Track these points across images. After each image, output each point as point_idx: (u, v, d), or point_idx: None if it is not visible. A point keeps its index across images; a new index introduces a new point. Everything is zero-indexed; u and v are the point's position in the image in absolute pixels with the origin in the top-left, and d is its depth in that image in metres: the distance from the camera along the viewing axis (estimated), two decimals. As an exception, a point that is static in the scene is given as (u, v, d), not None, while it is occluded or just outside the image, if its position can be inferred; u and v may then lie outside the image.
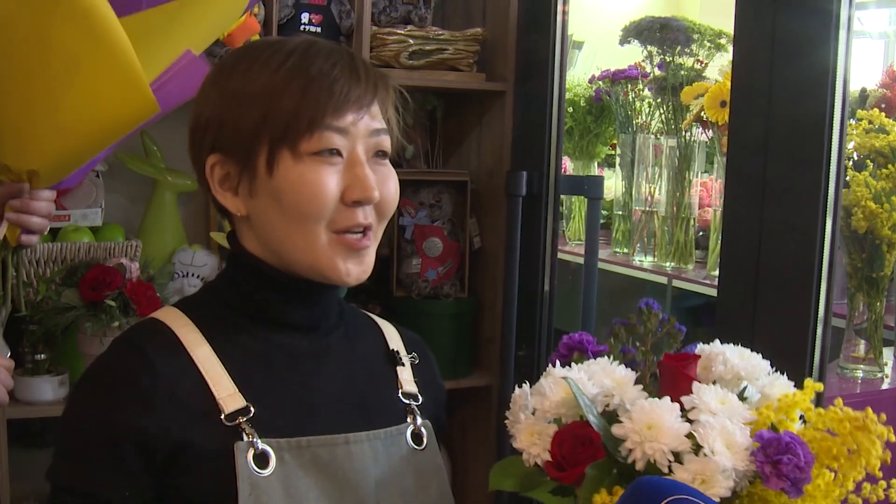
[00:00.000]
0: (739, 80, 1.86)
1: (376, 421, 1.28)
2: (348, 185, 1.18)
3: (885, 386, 2.25)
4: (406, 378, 1.37)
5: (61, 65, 1.49)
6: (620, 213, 3.28)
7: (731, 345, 1.20)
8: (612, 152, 3.48)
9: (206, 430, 1.16)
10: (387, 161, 1.24)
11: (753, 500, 1.07)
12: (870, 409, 1.08)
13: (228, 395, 1.18)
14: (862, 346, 2.24)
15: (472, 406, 2.88)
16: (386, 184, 1.23)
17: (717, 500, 1.01)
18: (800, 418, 1.11)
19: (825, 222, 1.71)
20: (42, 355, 2.30)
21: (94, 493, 1.15)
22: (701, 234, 3.01)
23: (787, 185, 1.75)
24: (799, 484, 1.02)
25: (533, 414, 1.15)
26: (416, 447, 1.30)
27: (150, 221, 2.59)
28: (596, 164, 3.53)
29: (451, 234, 2.70)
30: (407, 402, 1.34)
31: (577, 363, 1.18)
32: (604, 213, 3.52)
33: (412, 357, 1.41)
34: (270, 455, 1.17)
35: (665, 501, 0.95)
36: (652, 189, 3.06)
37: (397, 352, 1.39)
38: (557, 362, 1.20)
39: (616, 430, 1.06)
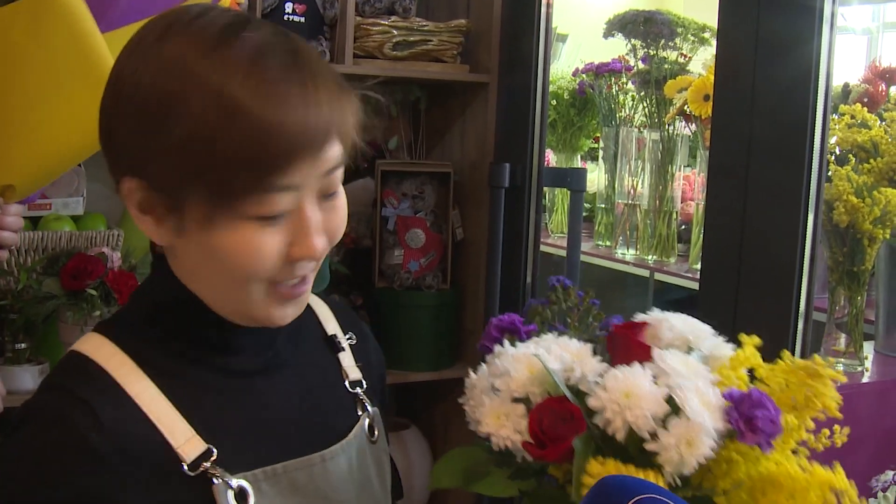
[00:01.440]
0: (723, 75, 1.86)
1: (337, 424, 1.20)
2: (293, 242, 1.00)
3: (865, 379, 2.26)
4: (348, 364, 1.26)
5: (41, 80, 1.47)
6: (603, 206, 3.29)
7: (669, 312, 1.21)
8: (596, 145, 3.50)
9: (170, 485, 1.01)
10: (337, 192, 1.05)
11: (724, 461, 1.07)
12: (816, 356, 1.10)
13: (186, 441, 1.02)
14: (843, 340, 2.25)
15: (453, 398, 2.86)
16: (332, 223, 1.04)
17: (703, 460, 1.01)
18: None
19: (807, 217, 1.72)
20: (23, 344, 2.29)
21: None
22: (683, 227, 3.03)
23: (769, 179, 1.76)
24: (772, 437, 1.03)
25: (497, 395, 1.12)
26: (371, 440, 1.24)
27: (131, 211, 2.58)
28: (579, 157, 3.54)
29: (434, 226, 2.70)
30: (354, 391, 1.24)
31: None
32: (586, 206, 3.53)
33: (349, 338, 1.28)
34: (248, 490, 1.05)
35: (632, 501, 0.92)
36: (635, 182, 3.07)
37: (335, 336, 1.26)
38: (496, 344, 1.18)
39: (592, 402, 1.04)
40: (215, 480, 1.02)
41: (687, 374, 1.06)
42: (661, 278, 2.98)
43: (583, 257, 3.12)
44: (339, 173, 1.02)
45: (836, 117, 2.26)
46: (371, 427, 1.23)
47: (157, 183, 0.97)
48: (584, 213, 3.55)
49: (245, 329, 1.09)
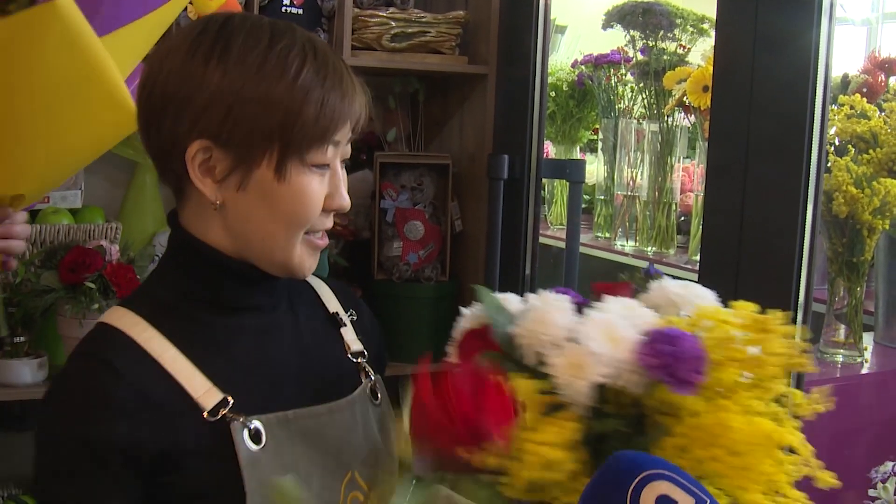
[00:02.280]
0: (721, 66, 1.86)
1: (341, 386, 1.36)
2: (329, 195, 1.25)
3: (864, 370, 2.26)
4: (351, 338, 1.44)
5: (44, 89, 1.47)
6: (602, 197, 3.28)
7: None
8: (595, 137, 3.48)
9: (191, 429, 1.19)
10: (345, 163, 1.32)
11: (664, 407, 1.10)
12: (775, 312, 1.10)
13: (205, 392, 1.21)
14: (842, 331, 2.25)
15: (452, 390, 2.88)
16: (346, 185, 1.31)
17: (596, 381, 1.06)
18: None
19: (806, 208, 1.71)
20: (21, 338, 2.29)
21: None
22: (682, 218, 3.02)
23: (768, 171, 1.75)
24: (676, 374, 1.04)
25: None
26: (374, 403, 1.39)
27: (130, 204, 2.58)
28: (578, 148, 3.53)
29: (433, 218, 2.70)
30: (356, 360, 1.41)
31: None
32: (586, 197, 3.52)
33: (350, 315, 1.47)
34: (262, 431, 1.22)
35: (641, 475, 0.97)
36: (634, 174, 3.06)
37: (337, 314, 1.45)
38: None
39: (514, 329, 1.16)
40: (233, 422, 1.20)
41: (613, 313, 1.12)
42: (660, 269, 2.97)
43: (582, 249, 3.11)
44: (349, 147, 1.30)
45: (836, 108, 2.25)
46: (374, 391, 1.40)
47: (236, 137, 1.19)
48: (584, 205, 3.54)
49: (260, 288, 1.31)
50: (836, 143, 2.23)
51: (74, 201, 2.44)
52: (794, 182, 1.71)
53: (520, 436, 1.07)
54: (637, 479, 0.97)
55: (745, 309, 1.12)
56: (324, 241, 1.30)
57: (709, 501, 0.97)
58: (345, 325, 1.44)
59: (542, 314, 1.14)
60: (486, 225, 2.61)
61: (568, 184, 2.68)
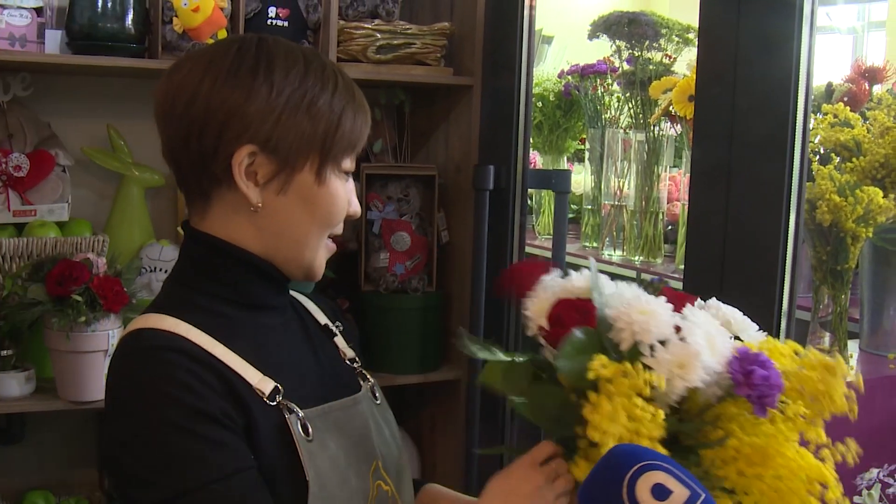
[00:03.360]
0: (704, 74, 1.87)
1: (348, 384, 1.47)
2: (348, 200, 1.39)
3: (849, 378, 2.26)
4: (344, 346, 1.54)
5: None
6: (590, 207, 3.29)
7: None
8: (582, 147, 3.49)
9: (259, 412, 1.28)
10: None
11: (722, 418, 1.15)
12: (839, 356, 1.19)
13: (260, 381, 1.30)
14: (827, 339, 2.26)
15: (440, 400, 2.88)
16: None
17: (694, 384, 1.10)
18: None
19: (789, 216, 1.72)
20: (8, 351, 2.29)
21: (239, 465, 1.23)
22: (670, 228, 3.03)
23: (751, 179, 1.76)
24: (763, 399, 1.09)
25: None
26: (376, 402, 1.50)
27: (117, 216, 2.58)
28: (565, 158, 3.54)
29: (419, 229, 2.70)
30: (353, 366, 1.53)
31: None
32: (573, 207, 3.54)
33: (338, 325, 1.58)
34: (308, 423, 1.31)
35: (637, 465, 1.00)
36: (621, 183, 3.07)
37: (328, 325, 1.55)
38: None
39: (609, 312, 1.17)
40: (287, 413, 1.29)
41: (704, 322, 1.15)
42: (647, 279, 2.98)
43: (570, 259, 3.12)
44: None
45: (821, 117, 2.26)
46: (373, 391, 1.51)
47: (282, 143, 1.30)
48: (571, 215, 3.55)
49: (278, 289, 1.42)
50: (821, 152, 2.24)
51: (61, 214, 2.44)
52: (777, 190, 1.72)
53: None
54: (633, 469, 1.00)
55: (799, 350, 1.18)
56: (334, 246, 1.42)
57: (704, 495, 1.00)
58: (336, 334, 1.55)
59: (645, 304, 1.17)
60: (473, 235, 2.61)
61: (555, 194, 2.68)
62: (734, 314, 1.27)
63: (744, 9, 1.76)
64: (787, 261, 1.74)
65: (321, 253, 1.39)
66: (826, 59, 3.12)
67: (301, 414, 1.30)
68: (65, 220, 2.46)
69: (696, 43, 1.95)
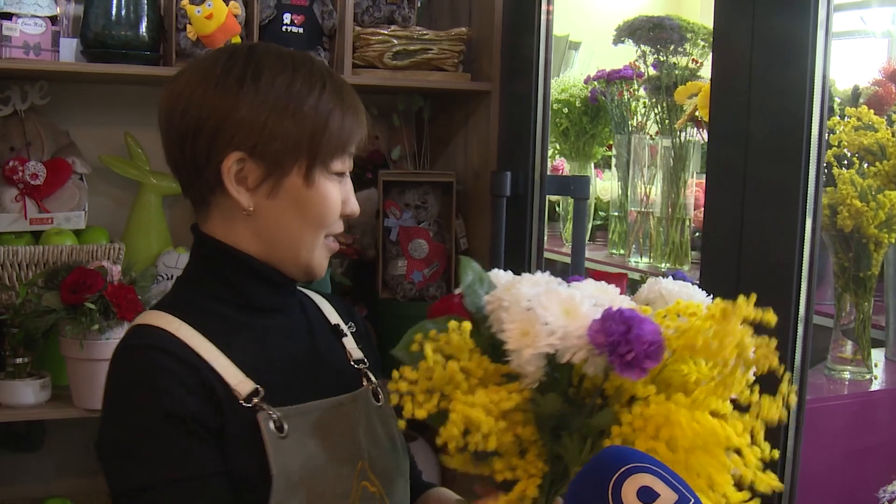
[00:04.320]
0: (719, 79, 1.84)
1: (348, 384, 1.50)
2: (344, 201, 1.43)
3: (874, 388, 2.21)
4: (352, 347, 1.58)
5: None
6: (617, 214, 3.25)
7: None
8: (609, 153, 3.46)
9: (232, 413, 1.32)
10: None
11: (624, 393, 1.12)
12: (744, 298, 1.09)
13: (239, 382, 1.34)
14: (849, 347, 2.21)
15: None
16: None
17: (541, 351, 1.08)
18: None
19: (805, 221, 1.69)
20: (23, 359, 2.30)
21: (195, 471, 1.29)
22: (697, 234, 2.98)
23: (766, 183, 1.73)
24: (625, 357, 1.04)
25: None
26: (377, 403, 1.52)
27: (134, 224, 2.58)
28: (592, 165, 3.50)
29: (437, 236, 2.68)
30: (359, 367, 1.55)
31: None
32: (601, 214, 3.50)
33: (350, 327, 1.62)
34: (284, 421, 1.34)
35: (624, 468, 0.99)
36: (648, 190, 3.03)
37: (338, 325, 1.59)
38: None
39: (486, 298, 1.19)
40: (260, 411, 1.32)
41: (572, 290, 1.14)
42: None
43: (597, 266, 3.09)
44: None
45: (845, 120, 2.22)
46: (375, 393, 1.53)
47: (269, 148, 1.35)
48: (599, 222, 3.52)
49: (280, 291, 1.47)
50: (848, 155, 2.20)
51: (78, 222, 2.45)
52: (793, 194, 1.68)
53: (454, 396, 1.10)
54: (619, 472, 0.99)
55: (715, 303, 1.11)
56: (336, 245, 1.48)
57: (692, 500, 0.97)
58: (345, 335, 1.59)
59: (514, 283, 1.17)
60: (490, 242, 2.59)
61: (574, 200, 2.65)
62: (676, 287, 1.26)
63: (758, 13, 1.73)
64: (803, 266, 1.70)
65: (318, 252, 1.44)
66: (859, 63, 3.07)
67: (275, 413, 1.33)
68: (82, 228, 2.46)
69: (711, 48, 1.93)
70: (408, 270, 2.63)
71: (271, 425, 1.33)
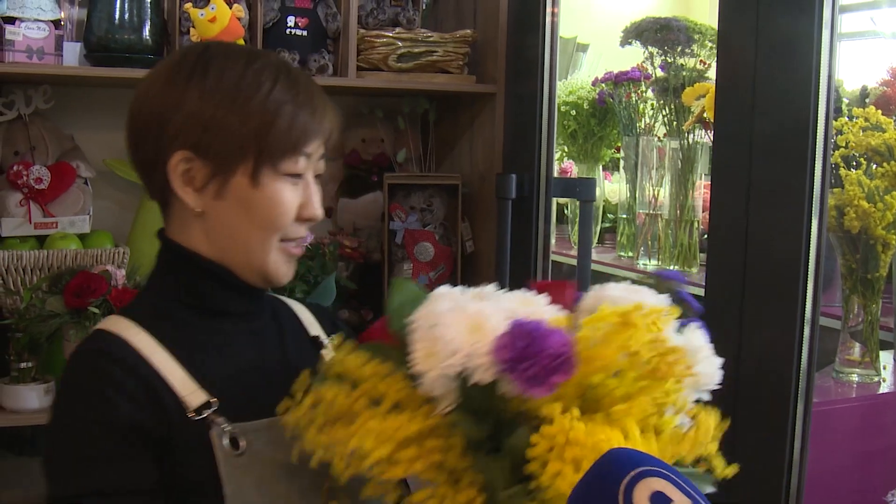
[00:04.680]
0: (724, 80, 1.83)
1: None
2: (302, 204, 1.36)
3: (882, 390, 2.19)
4: None
5: None
6: (625, 216, 3.24)
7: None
8: (618, 155, 3.45)
9: (180, 426, 1.27)
10: (318, 178, 1.41)
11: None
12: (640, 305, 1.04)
13: (191, 393, 1.29)
14: (857, 350, 2.19)
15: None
16: (319, 197, 1.40)
17: (451, 372, 1.02)
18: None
19: (811, 223, 1.68)
20: (28, 363, 2.29)
21: (128, 487, 1.23)
22: (705, 236, 2.97)
23: (772, 185, 1.73)
24: (529, 375, 0.98)
25: None
26: None
27: (139, 228, 2.57)
28: (601, 167, 3.49)
29: (443, 239, 2.67)
30: None
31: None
32: (609, 216, 3.49)
33: (332, 339, 1.48)
34: (240, 438, 1.28)
35: (635, 471, 0.92)
36: (656, 192, 3.02)
37: (318, 337, 1.53)
38: None
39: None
40: (214, 426, 1.27)
41: (485, 304, 1.08)
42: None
43: (605, 269, 3.08)
44: (323, 163, 1.40)
45: (853, 121, 2.20)
46: None
47: (214, 146, 1.29)
48: (608, 224, 3.51)
49: (242, 295, 1.40)
50: (856, 157, 2.18)
51: (83, 226, 2.44)
52: (798, 195, 1.68)
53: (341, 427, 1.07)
54: (630, 475, 0.92)
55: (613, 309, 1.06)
56: (298, 251, 1.40)
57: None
58: (325, 346, 1.51)
59: (430, 301, 1.12)
60: (496, 245, 2.58)
61: (580, 202, 2.64)
62: (620, 293, 1.17)
63: (762, 14, 1.72)
64: (809, 268, 1.69)
65: (274, 257, 1.36)
66: (869, 64, 3.05)
67: (229, 428, 1.28)
68: (86, 232, 2.46)
69: (716, 50, 1.92)
70: (413, 273, 2.62)
71: (225, 441, 1.27)
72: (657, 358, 1.03)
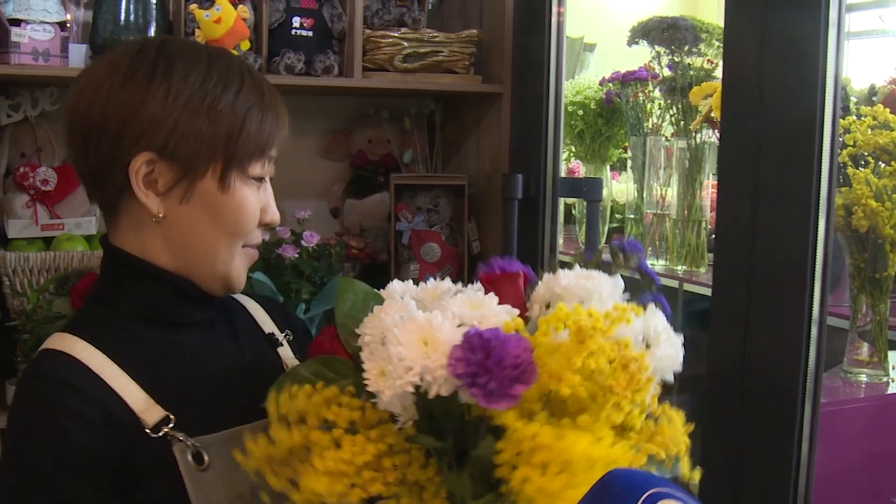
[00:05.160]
0: (730, 79, 1.82)
1: None
2: (263, 208, 1.34)
3: (891, 390, 2.18)
4: (288, 356, 1.48)
5: None
6: (632, 216, 3.23)
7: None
8: (625, 155, 3.44)
9: (138, 445, 1.22)
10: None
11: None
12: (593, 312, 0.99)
13: (146, 409, 1.23)
14: (865, 350, 2.18)
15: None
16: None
17: (403, 390, 0.98)
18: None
19: (818, 222, 1.67)
20: (34, 365, 2.29)
21: None
22: (713, 236, 2.96)
23: (779, 185, 1.71)
24: (490, 388, 0.93)
25: None
26: None
27: (145, 230, 2.58)
28: (608, 167, 3.48)
29: (450, 239, 2.67)
30: None
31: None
32: (617, 216, 3.48)
33: (287, 335, 1.51)
34: (203, 452, 1.24)
35: (648, 494, 0.88)
36: (663, 192, 3.01)
37: (273, 334, 1.49)
38: None
39: (358, 329, 1.10)
40: (175, 442, 1.22)
41: (435, 312, 1.03)
42: (690, 288, 2.91)
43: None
44: (273, 166, 1.37)
45: (862, 119, 2.19)
46: None
47: (181, 150, 1.25)
48: (615, 224, 3.50)
49: (198, 304, 1.35)
50: (864, 155, 2.17)
51: (89, 228, 2.44)
52: (805, 194, 1.67)
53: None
54: (642, 499, 0.88)
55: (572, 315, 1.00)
56: (255, 254, 1.38)
57: None
58: (281, 345, 1.49)
59: (378, 311, 1.08)
60: (502, 245, 2.57)
61: (587, 202, 2.64)
62: (574, 281, 1.12)
63: (768, 13, 1.71)
64: (816, 268, 1.68)
65: (237, 262, 1.33)
66: (877, 62, 3.04)
67: (192, 443, 1.23)
68: (93, 233, 2.46)
69: (722, 49, 1.91)
70: (420, 274, 2.61)
71: (189, 457, 1.23)
72: (616, 374, 0.98)
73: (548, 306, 1.13)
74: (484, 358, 0.94)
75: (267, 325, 1.50)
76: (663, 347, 1.10)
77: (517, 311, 1.08)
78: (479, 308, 1.06)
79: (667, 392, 1.13)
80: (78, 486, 1.18)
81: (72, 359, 1.24)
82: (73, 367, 1.23)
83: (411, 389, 0.98)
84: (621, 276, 1.19)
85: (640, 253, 1.24)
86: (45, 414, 1.20)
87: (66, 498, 1.18)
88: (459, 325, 1.02)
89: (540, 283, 1.17)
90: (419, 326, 1.00)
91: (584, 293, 1.11)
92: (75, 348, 1.25)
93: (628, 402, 0.98)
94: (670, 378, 1.12)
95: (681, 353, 1.13)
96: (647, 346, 1.09)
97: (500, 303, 1.08)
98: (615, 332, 1.01)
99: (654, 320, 1.12)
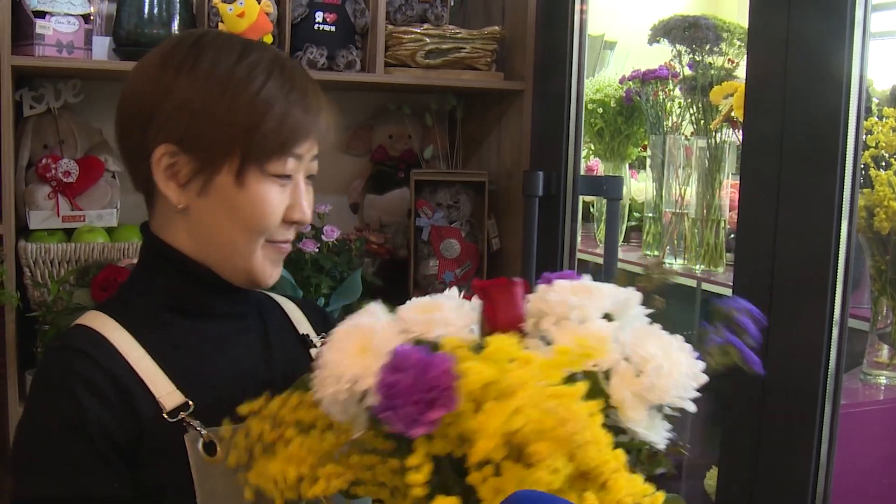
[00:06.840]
0: (754, 80, 1.82)
1: None
2: (290, 206, 1.30)
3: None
4: None
5: None
6: (651, 215, 3.22)
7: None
8: (645, 154, 3.43)
9: (154, 427, 1.22)
10: (312, 178, 1.35)
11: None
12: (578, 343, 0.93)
13: (167, 394, 1.24)
14: (885, 352, 2.18)
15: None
16: (310, 199, 1.34)
17: (340, 398, 0.97)
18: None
19: (840, 224, 1.67)
20: (55, 356, 2.30)
21: (89, 494, 1.18)
22: (732, 236, 2.95)
23: (801, 186, 1.71)
24: (401, 413, 0.87)
25: None
26: None
27: (166, 222, 2.58)
28: (627, 165, 3.48)
29: (470, 236, 2.67)
30: None
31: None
32: (636, 215, 3.47)
33: (322, 338, 1.47)
34: (216, 443, 1.23)
35: None
36: (682, 191, 3.00)
37: (307, 335, 1.48)
38: None
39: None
40: (191, 429, 1.22)
41: (381, 319, 1.02)
42: (708, 288, 2.91)
43: (630, 267, 3.06)
44: (316, 165, 1.34)
45: (884, 120, 2.19)
46: None
47: (201, 142, 1.24)
48: (634, 223, 3.49)
49: (226, 296, 1.34)
50: (886, 157, 2.17)
51: (110, 220, 2.45)
52: (829, 198, 1.66)
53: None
54: None
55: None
56: (286, 250, 1.35)
57: None
58: (315, 346, 1.46)
59: (344, 329, 1.05)
60: (522, 243, 2.57)
61: (607, 201, 2.63)
62: (554, 298, 1.03)
63: (793, 14, 1.71)
64: (838, 269, 1.68)
65: (258, 258, 1.30)
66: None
67: (205, 432, 1.22)
68: (113, 225, 2.47)
69: (746, 48, 1.91)
70: (439, 270, 2.62)
71: (199, 447, 1.22)
72: (541, 438, 0.87)
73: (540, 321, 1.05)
74: (400, 379, 0.89)
75: (303, 325, 1.49)
76: (652, 377, 0.97)
77: (471, 320, 1.03)
78: (429, 312, 1.02)
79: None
80: (85, 453, 1.18)
81: (100, 336, 1.24)
82: (98, 343, 1.24)
83: (341, 398, 0.97)
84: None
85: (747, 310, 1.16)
86: (65, 382, 1.20)
87: (72, 462, 1.18)
88: (402, 332, 0.99)
89: (531, 295, 1.08)
90: (361, 332, 0.99)
91: (564, 310, 1.02)
92: (106, 327, 1.26)
93: (564, 464, 0.87)
94: (680, 405, 1.00)
95: (685, 384, 1.00)
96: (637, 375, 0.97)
97: (490, 313, 1.05)
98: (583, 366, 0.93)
99: (646, 345, 1.00)
